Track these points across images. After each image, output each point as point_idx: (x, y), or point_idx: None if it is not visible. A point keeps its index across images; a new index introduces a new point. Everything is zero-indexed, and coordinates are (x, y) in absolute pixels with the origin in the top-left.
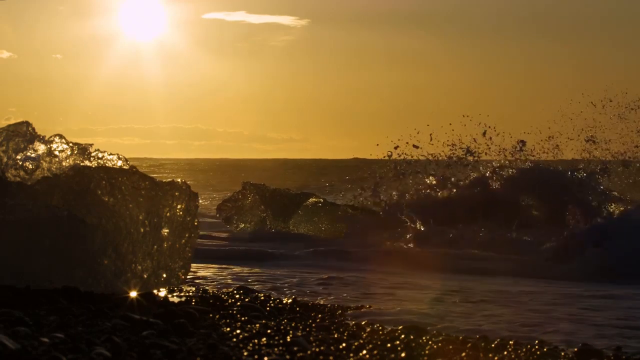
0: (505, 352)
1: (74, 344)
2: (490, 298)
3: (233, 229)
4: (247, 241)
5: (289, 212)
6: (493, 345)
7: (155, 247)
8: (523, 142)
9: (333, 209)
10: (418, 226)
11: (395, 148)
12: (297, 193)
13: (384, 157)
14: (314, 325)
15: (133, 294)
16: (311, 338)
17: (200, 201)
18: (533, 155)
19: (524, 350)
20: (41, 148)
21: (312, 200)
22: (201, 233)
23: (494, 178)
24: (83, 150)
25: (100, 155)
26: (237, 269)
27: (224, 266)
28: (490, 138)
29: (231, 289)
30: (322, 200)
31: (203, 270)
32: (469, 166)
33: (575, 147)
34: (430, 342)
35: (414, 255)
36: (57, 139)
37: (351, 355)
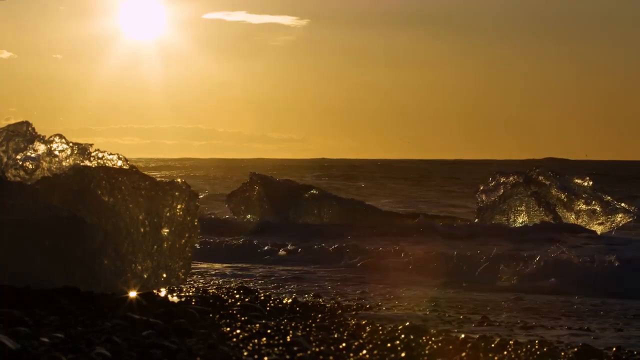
0: (505, 352)
1: (74, 344)
2: (490, 300)
3: (240, 220)
4: (252, 234)
5: (292, 203)
6: (493, 345)
7: (155, 247)
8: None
9: (335, 202)
10: None
11: None
12: (302, 185)
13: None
14: (314, 325)
15: (133, 294)
16: (311, 338)
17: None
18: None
19: (524, 350)
20: (41, 148)
21: (315, 192)
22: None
23: None
24: (83, 150)
25: (100, 155)
26: (238, 266)
27: (225, 264)
28: None
29: (231, 289)
30: (325, 193)
31: (203, 269)
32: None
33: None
34: (430, 342)
35: (414, 256)
36: (57, 139)
37: (351, 355)
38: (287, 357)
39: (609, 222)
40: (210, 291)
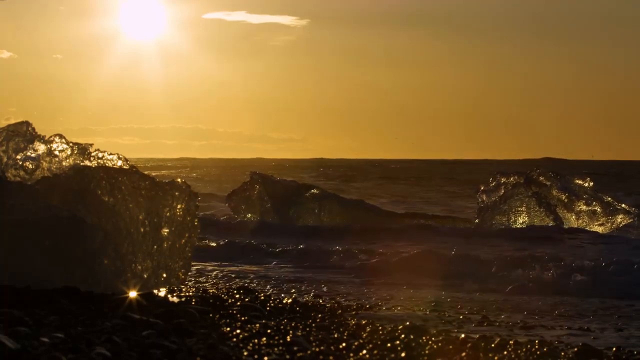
0: (505, 352)
1: (74, 344)
2: (490, 300)
3: (240, 219)
4: (251, 234)
5: (293, 203)
6: (493, 345)
7: (155, 247)
8: None
9: (335, 202)
10: None
11: None
12: (303, 184)
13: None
14: (314, 325)
15: (133, 294)
16: (311, 338)
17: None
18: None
19: (524, 350)
20: (41, 148)
21: (315, 191)
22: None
23: None
24: (83, 150)
25: (100, 155)
26: (238, 267)
27: (225, 263)
28: None
29: (231, 289)
30: (326, 193)
31: (203, 269)
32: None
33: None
34: (430, 342)
35: (414, 256)
36: (57, 139)
37: (351, 355)
38: (287, 357)
39: (609, 223)
40: (210, 291)
